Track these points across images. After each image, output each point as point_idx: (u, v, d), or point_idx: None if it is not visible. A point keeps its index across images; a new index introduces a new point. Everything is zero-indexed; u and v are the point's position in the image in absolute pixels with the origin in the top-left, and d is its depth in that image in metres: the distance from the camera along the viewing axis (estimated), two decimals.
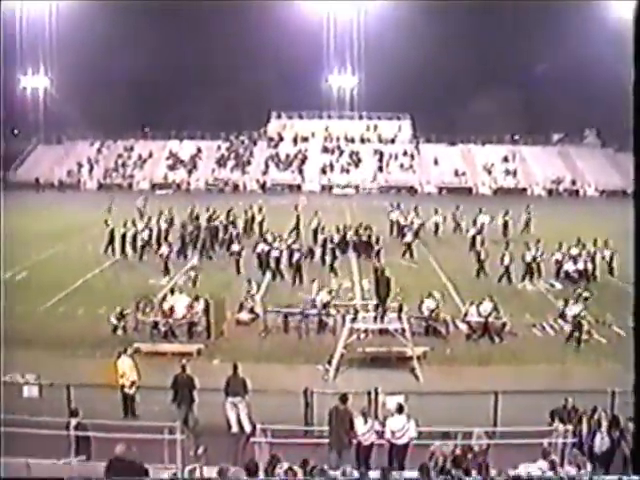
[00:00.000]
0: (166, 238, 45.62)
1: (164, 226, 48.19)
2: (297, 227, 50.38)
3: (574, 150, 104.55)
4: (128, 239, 45.51)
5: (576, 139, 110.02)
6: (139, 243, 45.56)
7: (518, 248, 41.22)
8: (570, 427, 19.18)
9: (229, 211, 51.75)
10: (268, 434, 18.34)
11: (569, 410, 19.76)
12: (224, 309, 30.61)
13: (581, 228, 51.23)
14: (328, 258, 42.29)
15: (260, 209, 53.36)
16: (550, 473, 14.90)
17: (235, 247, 41.87)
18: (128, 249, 45.23)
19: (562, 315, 32.14)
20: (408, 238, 46.95)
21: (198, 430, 19.51)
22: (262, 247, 40.73)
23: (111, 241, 45.23)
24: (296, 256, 39.08)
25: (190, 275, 37.11)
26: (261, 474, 14.23)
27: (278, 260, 39.96)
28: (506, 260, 39.79)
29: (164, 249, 41.30)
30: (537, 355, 28.36)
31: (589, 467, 16.18)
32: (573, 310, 30.23)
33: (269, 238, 42.22)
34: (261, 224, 51.34)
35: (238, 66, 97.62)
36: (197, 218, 50.88)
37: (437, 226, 53.85)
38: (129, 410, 22.03)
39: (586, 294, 32.10)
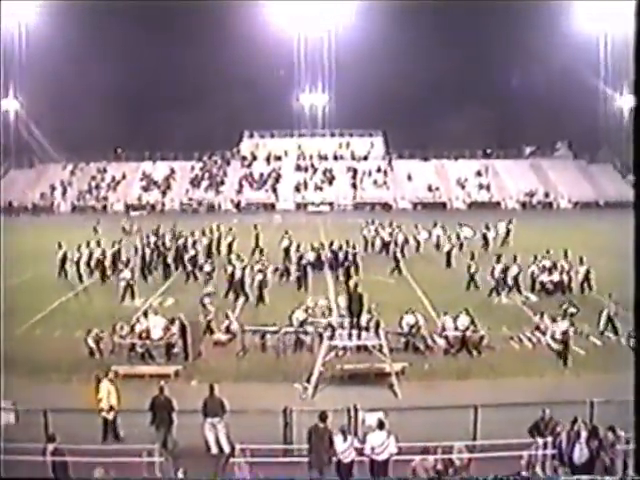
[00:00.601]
0: (128, 261, 44.87)
1: (135, 247, 48.45)
2: (257, 247, 50.37)
3: (546, 163, 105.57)
4: (87, 262, 45.69)
5: (548, 152, 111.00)
6: (93, 265, 45.60)
7: (499, 261, 41.45)
8: (549, 439, 19.24)
9: (193, 232, 52.02)
10: (247, 454, 18.27)
11: (547, 421, 19.81)
12: (200, 330, 30.49)
13: (556, 240, 51.60)
14: (301, 276, 42.33)
15: (230, 229, 53.17)
16: None
17: (207, 267, 41.86)
18: (92, 272, 45.19)
19: (538, 328, 32.42)
20: (398, 254, 47.58)
21: (177, 452, 19.38)
22: (228, 268, 40.57)
23: (63, 265, 45.15)
24: (258, 277, 38.82)
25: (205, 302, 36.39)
26: None
27: (242, 281, 39.77)
28: (496, 273, 40.19)
29: (126, 273, 40.39)
30: (515, 368, 28.40)
31: (570, 478, 16.20)
32: (560, 327, 29.96)
33: (233, 259, 42.34)
34: (230, 244, 51.16)
35: (210, 86, 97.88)
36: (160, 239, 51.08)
37: (418, 242, 53.91)
38: (109, 434, 21.84)
39: (572, 310, 32.10)
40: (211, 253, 49.85)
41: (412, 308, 31.63)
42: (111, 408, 21.84)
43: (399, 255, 47.60)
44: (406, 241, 52.27)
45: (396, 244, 50.02)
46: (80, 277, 44.22)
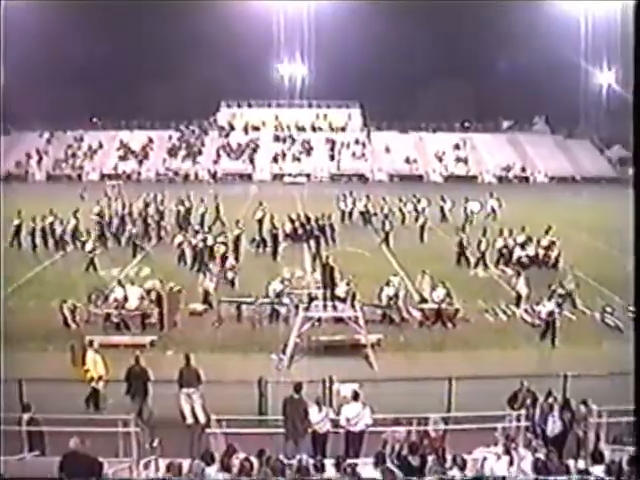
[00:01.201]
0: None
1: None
2: (217, 218, 50.33)
3: (524, 137, 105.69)
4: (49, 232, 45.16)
5: (526, 126, 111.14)
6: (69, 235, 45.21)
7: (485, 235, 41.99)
8: (523, 411, 19.37)
9: (162, 201, 52.59)
10: (223, 425, 18.29)
11: (525, 393, 19.94)
12: (177, 300, 30.42)
13: (532, 214, 51.85)
14: (277, 247, 42.61)
15: (202, 200, 52.96)
16: (505, 457, 15.00)
17: (179, 239, 41.51)
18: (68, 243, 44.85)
19: (514, 300, 32.71)
20: (387, 227, 47.66)
21: (153, 422, 19.33)
22: (192, 240, 40.46)
23: (17, 234, 44.93)
24: (221, 249, 38.67)
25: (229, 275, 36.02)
26: (217, 465, 14.16)
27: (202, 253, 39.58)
28: (482, 246, 40.65)
29: (90, 245, 40.05)
30: (490, 340, 28.59)
31: (543, 451, 16.32)
32: (547, 307, 29.46)
33: (199, 231, 42.62)
34: (202, 215, 50.88)
35: (188, 56, 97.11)
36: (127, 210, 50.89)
37: (403, 215, 53.95)
38: (91, 404, 21.77)
39: (560, 290, 32.03)
40: (184, 223, 49.50)
41: (392, 280, 31.68)
42: (99, 378, 21.79)
43: (387, 227, 47.67)
44: (392, 213, 52.08)
45: (386, 217, 50.01)
46: (59, 246, 44.03)
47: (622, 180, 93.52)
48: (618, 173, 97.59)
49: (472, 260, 40.70)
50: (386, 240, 46.39)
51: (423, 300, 31.44)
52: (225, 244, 39.17)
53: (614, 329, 30.21)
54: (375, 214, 53.37)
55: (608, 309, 31.63)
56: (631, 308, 32.11)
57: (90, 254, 39.01)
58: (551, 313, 28.77)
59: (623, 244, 43.04)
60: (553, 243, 40.57)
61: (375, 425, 18.43)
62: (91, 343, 23.27)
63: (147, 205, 52.50)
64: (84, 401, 21.61)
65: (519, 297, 32.85)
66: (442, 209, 55.73)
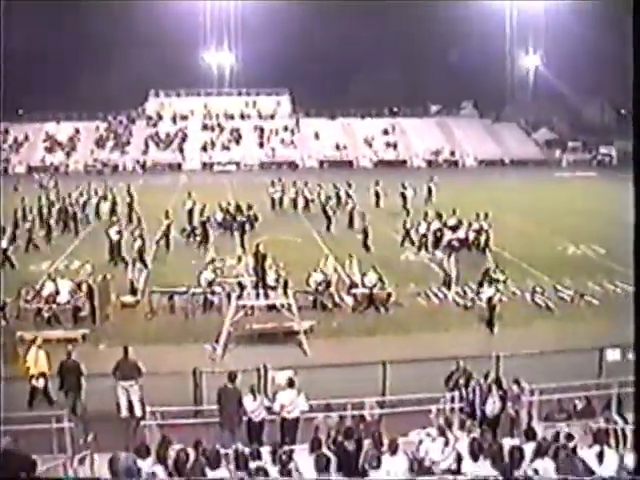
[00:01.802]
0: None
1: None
2: (131, 211, 49.69)
3: (452, 121, 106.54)
4: None
5: (454, 110, 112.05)
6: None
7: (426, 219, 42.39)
8: (457, 393, 19.57)
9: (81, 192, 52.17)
10: (158, 416, 18.18)
11: (461, 373, 20.13)
12: (108, 293, 30.10)
13: (461, 198, 52.33)
14: (208, 236, 42.57)
15: (128, 190, 52.43)
16: (440, 438, 15.12)
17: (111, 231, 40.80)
18: None
19: (445, 283, 33.04)
20: (329, 212, 47.73)
21: (87, 417, 19.14)
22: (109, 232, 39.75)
23: None
24: (137, 243, 38.26)
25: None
26: (152, 457, 14.06)
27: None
28: (421, 230, 41.33)
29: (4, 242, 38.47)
30: (423, 324, 28.82)
31: (478, 431, 16.50)
32: (486, 293, 29.61)
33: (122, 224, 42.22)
34: (130, 205, 50.42)
35: (115, 45, 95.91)
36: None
37: (339, 200, 53.67)
38: (36, 401, 21.40)
39: (498, 276, 32.07)
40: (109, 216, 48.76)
41: (320, 266, 31.78)
42: (40, 375, 21.41)
43: (330, 212, 47.69)
44: (329, 199, 51.92)
45: (327, 202, 50.00)
46: None
47: (549, 162, 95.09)
48: (545, 155, 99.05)
49: (407, 244, 41.13)
50: (329, 226, 46.53)
51: (353, 284, 31.57)
52: (141, 237, 38.49)
53: (544, 309, 30.69)
54: (312, 200, 53.39)
55: (538, 289, 32.13)
56: (559, 287, 32.84)
57: (5, 251, 38.01)
58: (490, 299, 28.86)
59: (552, 225, 44.10)
60: (483, 226, 40.91)
61: (310, 411, 18.48)
62: (34, 340, 22.80)
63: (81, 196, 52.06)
64: (27, 401, 21.31)
65: (450, 280, 33.20)
66: (377, 194, 55.81)
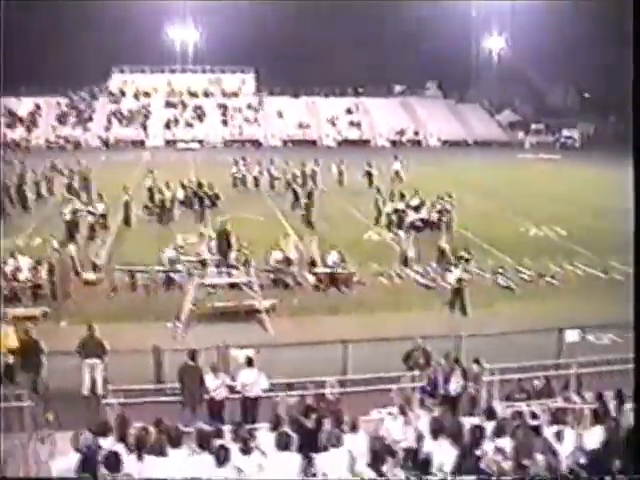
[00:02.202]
0: None
1: None
2: (70, 190, 48.60)
3: (416, 101, 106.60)
4: None
5: (418, 91, 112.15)
6: None
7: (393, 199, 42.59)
8: (417, 372, 19.70)
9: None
10: (119, 395, 18.13)
11: (418, 353, 20.25)
12: (69, 270, 29.86)
13: (425, 178, 52.48)
14: (170, 214, 42.57)
15: (87, 167, 51.94)
16: (401, 417, 15.23)
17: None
18: None
19: (404, 262, 33.34)
20: (298, 190, 47.52)
21: (47, 395, 19.05)
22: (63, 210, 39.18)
23: None
24: (89, 219, 37.97)
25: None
26: (114, 435, 14.02)
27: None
28: (386, 209, 41.55)
29: None
30: (384, 303, 28.90)
31: (438, 410, 16.62)
32: (454, 275, 29.07)
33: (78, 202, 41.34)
34: (87, 182, 49.63)
35: (77, 20, 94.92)
36: None
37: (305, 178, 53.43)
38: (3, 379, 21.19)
39: (467, 256, 32.05)
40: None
41: (280, 244, 31.79)
42: (11, 351, 21.19)
43: (299, 190, 47.55)
44: (295, 178, 51.65)
45: (295, 179, 50.14)
46: None
47: (512, 144, 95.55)
48: (508, 137, 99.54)
49: (372, 223, 41.31)
50: (294, 204, 46.50)
51: (313, 263, 31.63)
52: (93, 214, 38.10)
53: (506, 289, 30.93)
54: (278, 178, 53.22)
55: (500, 270, 32.34)
56: (521, 268, 33.08)
57: None
58: (459, 280, 28.57)
59: (515, 206, 44.36)
60: (446, 207, 41.02)
61: (271, 390, 18.52)
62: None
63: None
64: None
65: (407, 260, 33.44)
66: (341, 173, 55.69)
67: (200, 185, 46.05)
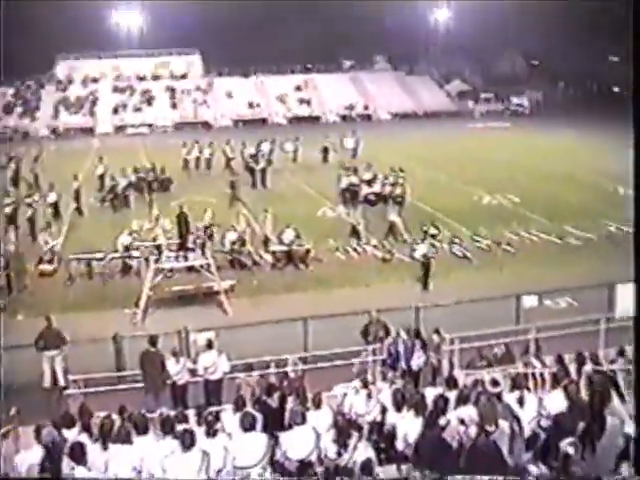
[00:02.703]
0: None
1: None
2: (17, 179, 47.74)
3: (366, 76, 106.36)
4: None
5: (367, 65, 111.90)
6: None
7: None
8: (378, 345, 19.80)
9: None
10: (81, 385, 18.04)
11: (376, 326, 20.36)
12: (24, 262, 29.59)
13: (376, 151, 52.48)
14: (124, 200, 42.06)
15: (36, 157, 51.24)
16: (363, 391, 15.31)
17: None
18: None
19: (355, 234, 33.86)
20: (255, 168, 47.43)
21: (7, 390, 18.87)
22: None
23: None
24: (29, 212, 37.34)
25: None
26: (78, 426, 13.95)
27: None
28: (341, 185, 41.47)
29: None
30: (342, 279, 29.01)
31: (400, 382, 16.73)
32: (420, 250, 29.11)
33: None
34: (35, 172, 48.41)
35: (20, 8, 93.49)
36: None
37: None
38: None
39: (433, 231, 32.12)
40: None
41: (233, 224, 31.72)
42: None
43: (256, 169, 47.35)
44: (253, 156, 50.22)
45: (251, 159, 49.34)
46: None
47: (462, 113, 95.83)
48: (457, 106, 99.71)
49: (323, 198, 41.22)
50: (254, 183, 46.59)
51: (268, 240, 31.75)
52: (30, 205, 37.46)
53: (462, 259, 31.14)
54: (233, 159, 52.82)
55: (456, 240, 32.53)
56: (476, 237, 33.30)
57: None
58: (425, 255, 28.69)
59: (467, 176, 44.50)
60: (398, 180, 41.01)
61: (234, 372, 18.53)
62: None
63: None
64: None
65: (359, 233, 33.84)
66: (295, 150, 55.41)
67: (152, 169, 45.75)
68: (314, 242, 31.98)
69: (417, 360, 19.01)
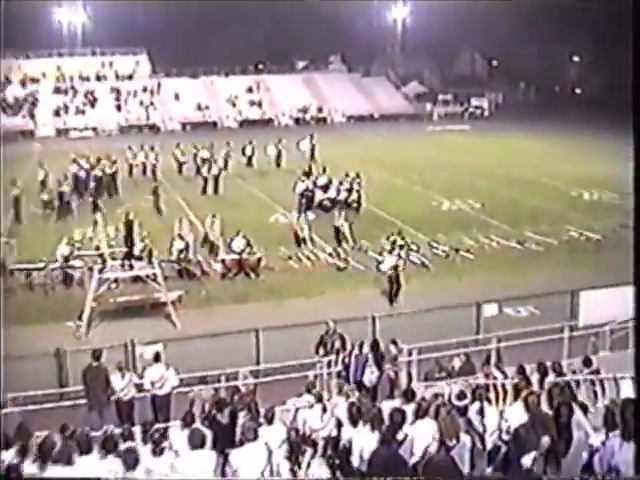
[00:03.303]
0: None
1: None
2: None
3: (320, 77, 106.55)
4: None
5: (321, 66, 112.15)
6: None
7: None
8: (333, 357, 19.78)
9: None
10: (20, 403, 17.84)
11: (332, 334, 20.33)
12: None
13: (331, 155, 52.58)
14: (65, 207, 41.54)
15: None
16: (318, 405, 15.28)
17: None
18: None
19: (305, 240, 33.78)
20: (205, 174, 47.30)
21: None
22: None
23: None
24: None
25: None
26: (15, 448, 13.75)
27: None
28: (297, 190, 41.20)
29: None
30: (295, 288, 28.95)
31: (355, 396, 16.71)
32: (388, 262, 28.11)
33: None
34: None
35: None
36: None
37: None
38: None
39: (401, 241, 31.25)
40: None
41: (181, 233, 31.54)
42: None
43: (206, 174, 47.23)
44: (205, 161, 49.97)
45: (204, 163, 49.04)
46: None
47: (420, 116, 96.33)
48: (416, 109, 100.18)
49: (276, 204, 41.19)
50: (205, 188, 46.54)
51: (215, 247, 31.95)
52: None
53: (420, 266, 31.22)
54: (185, 162, 52.51)
55: (413, 247, 32.59)
56: (434, 244, 33.44)
57: None
58: (395, 267, 27.89)
59: (426, 180, 44.63)
60: (354, 185, 41.05)
61: (183, 386, 18.43)
62: None
63: None
64: None
65: (304, 240, 33.95)
66: (252, 155, 55.13)
67: (96, 176, 45.41)
68: (266, 250, 31.95)
69: (369, 376, 18.97)
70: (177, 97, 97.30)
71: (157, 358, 18.59)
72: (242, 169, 52.94)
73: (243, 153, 54.41)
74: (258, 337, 21.16)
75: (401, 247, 30.51)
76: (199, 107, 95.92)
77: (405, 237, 32.45)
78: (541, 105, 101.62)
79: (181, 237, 31.13)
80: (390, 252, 29.14)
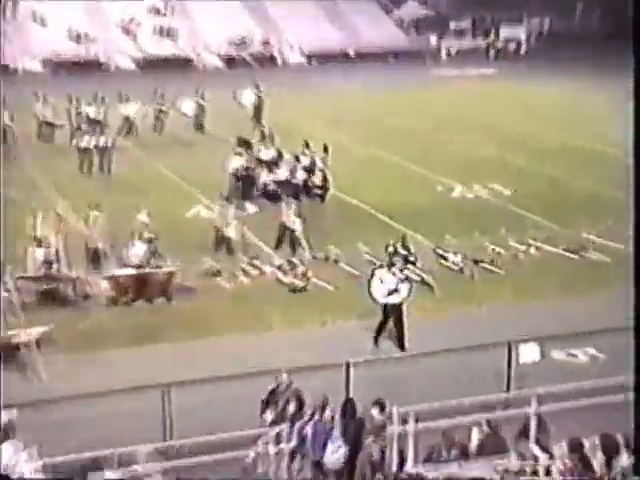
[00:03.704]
0: None
1: None
2: None
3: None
4: None
5: None
6: None
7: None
8: (285, 426, 19.53)
9: None
10: None
11: (287, 397, 20.11)
12: None
13: (282, 115, 52.66)
14: None
15: None
16: None
17: None
18: None
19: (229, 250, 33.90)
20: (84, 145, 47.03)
21: None
22: None
23: None
24: None
25: None
26: None
27: None
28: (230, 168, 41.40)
29: None
30: (227, 319, 28.68)
31: None
32: (402, 292, 26.46)
33: None
34: None
35: None
36: None
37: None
38: None
39: (403, 251, 30.95)
40: None
41: (39, 238, 31.16)
42: None
43: (85, 145, 46.81)
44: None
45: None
46: None
47: (421, 54, 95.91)
48: (414, 43, 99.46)
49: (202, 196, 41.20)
50: (82, 164, 46.52)
51: (98, 256, 31.90)
52: None
53: (418, 285, 31.17)
54: (53, 125, 52.36)
55: (411, 258, 32.55)
56: (441, 251, 33.56)
57: None
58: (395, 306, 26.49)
59: (426, 154, 45.18)
60: (317, 161, 40.87)
61: (48, 474, 18.29)
62: None
63: None
64: None
65: (230, 245, 34.13)
66: (161, 114, 55.09)
67: None
68: (181, 261, 31.73)
69: (332, 455, 18.61)
70: (43, 22, 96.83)
71: (8, 432, 18.37)
72: (145, 135, 52.79)
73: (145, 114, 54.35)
74: (168, 397, 20.88)
75: (407, 262, 29.76)
76: (77, 37, 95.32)
77: (410, 248, 32.21)
78: (607, 37, 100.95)
79: (40, 242, 30.65)
80: (390, 269, 27.12)
